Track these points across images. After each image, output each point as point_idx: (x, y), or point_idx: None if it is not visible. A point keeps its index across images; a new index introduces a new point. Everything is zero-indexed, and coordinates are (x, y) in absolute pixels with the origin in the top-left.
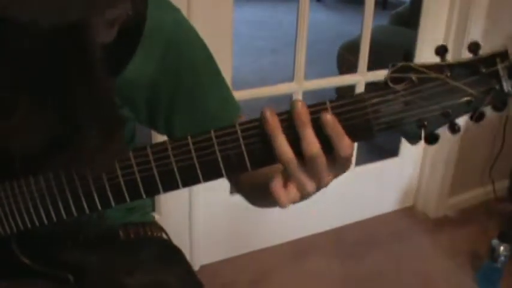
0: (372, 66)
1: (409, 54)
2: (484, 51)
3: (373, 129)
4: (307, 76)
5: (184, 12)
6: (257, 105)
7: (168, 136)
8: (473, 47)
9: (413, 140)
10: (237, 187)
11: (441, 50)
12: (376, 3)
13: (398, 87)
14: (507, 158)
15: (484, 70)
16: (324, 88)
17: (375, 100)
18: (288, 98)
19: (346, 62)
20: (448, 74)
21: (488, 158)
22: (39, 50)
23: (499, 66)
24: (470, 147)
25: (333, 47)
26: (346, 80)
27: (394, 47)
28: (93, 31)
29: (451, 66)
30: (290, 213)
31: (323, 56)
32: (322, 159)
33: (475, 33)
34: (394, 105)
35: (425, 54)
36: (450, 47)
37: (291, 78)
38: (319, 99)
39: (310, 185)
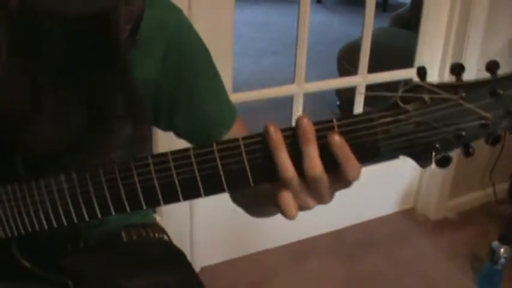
0: (372, 69)
1: (422, 72)
2: (484, 53)
3: (381, 150)
4: (308, 78)
5: (185, 13)
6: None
7: (175, 133)
8: (492, 66)
9: (423, 162)
10: (236, 196)
11: (456, 69)
12: (377, 5)
13: (409, 107)
14: (507, 160)
15: (501, 92)
16: (324, 90)
17: (384, 120)
18: (289, 99)
19: (346, 64)
20: (463, 94)
21: (488, 160)
22: (67, 40)
23: None
24: None
25: (333, 48)
26: (347, 82)
27: (394, 49)
28: (119, 21)
29: (467, 87)
30: None
31: (323, 57)
32: (324, 181)
33: (476, 36)
34: (404, 125)
35: (425, 57)
36: (450, 50)
37: (291, 80)
38: (320, 101)
39: (311, 203)
